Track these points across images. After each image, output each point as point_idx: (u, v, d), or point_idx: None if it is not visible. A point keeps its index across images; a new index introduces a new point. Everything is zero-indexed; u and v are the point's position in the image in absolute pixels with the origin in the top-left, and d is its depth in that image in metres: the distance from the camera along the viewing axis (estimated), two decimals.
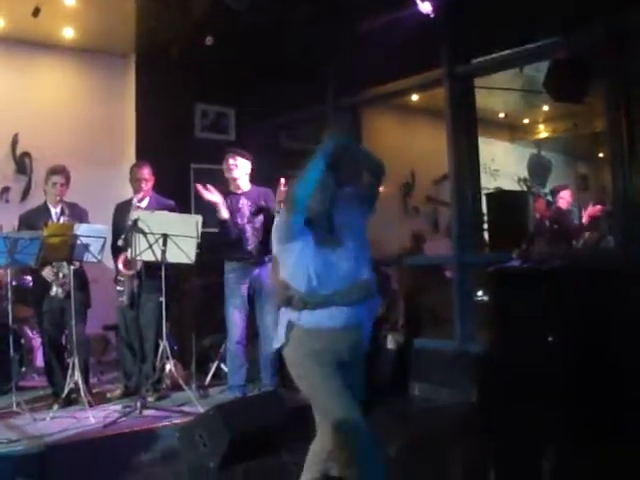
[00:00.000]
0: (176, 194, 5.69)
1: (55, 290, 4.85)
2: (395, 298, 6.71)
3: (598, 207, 7.01)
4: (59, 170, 5.09)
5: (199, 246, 4.91)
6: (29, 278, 5.48)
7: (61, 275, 4.85)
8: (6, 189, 6.68)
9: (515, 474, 3.63)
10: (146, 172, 5.34)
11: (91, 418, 4.45)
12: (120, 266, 5.14)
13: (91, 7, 6.07)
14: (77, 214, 5.09)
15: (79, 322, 4.85)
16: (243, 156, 5.33)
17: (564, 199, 7.21)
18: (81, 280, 5.02)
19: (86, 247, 4.70)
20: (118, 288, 5.18)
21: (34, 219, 5.00)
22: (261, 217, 5.25)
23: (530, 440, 3.68)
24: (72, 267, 4.76)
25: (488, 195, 6.53)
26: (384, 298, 5.64)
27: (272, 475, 3.93)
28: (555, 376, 3.84)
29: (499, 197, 6.85)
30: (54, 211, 5.07)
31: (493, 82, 7.23)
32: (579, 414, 3.71)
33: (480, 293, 6.34)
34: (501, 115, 9.79)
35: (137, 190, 5.28)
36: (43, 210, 5.10)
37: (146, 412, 4.69)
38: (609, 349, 3.81)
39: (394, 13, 5.84)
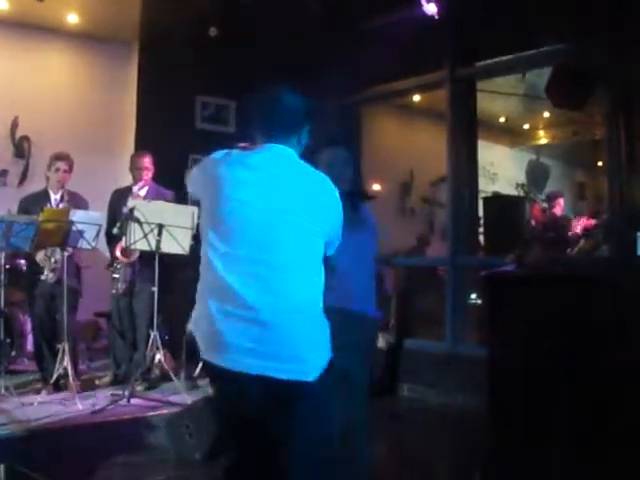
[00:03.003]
0: (175, 184, 5.66)
1: (46, 275, 4.85)
2: (387, 298, 6.70)
3: (592, 221, 7.00)
4: (64, 156, 5.09)
5: (194, 237, 4.89)
6: (22, 262, 5.48)
7: (53, 260, 4.85)
8: (4, 172, 6.65)
9: (503, 475, 3.63)
10: (147, 161, 5.33)
11: (79, 405, 4.45)
12: (118, 254, 5.13)
13: None
14: (76, 203, 5.07)
15: (69, 308, 4.84)
16: None
17: (559, 206, 7.22)
18: (73, 267, 5.01)
19: (81, 233, 4.69)
20: (114, 276, 5.17)
21: (33, 204, 4.98)
22: None
23: (519, 443, 3.68)
24: (65, 253, 4.75)
25: (485, 199, 6.56)
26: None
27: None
28: (546, 382, 3.85)
29: (496, 201, 6.88)
30: (54, 197, 5.06)
31: (495, 86, 7.24)
32: (571, 420, 3.71)
33: (474, 296, 6.36)
34: (502, 119, 9.79)
35: (137, 179, 5.28)
36: (43, 195, 5.09)
37: (134, 401, 4.68)
38: (602, 356, 3.81)
39: (398, 13, 5.84)
